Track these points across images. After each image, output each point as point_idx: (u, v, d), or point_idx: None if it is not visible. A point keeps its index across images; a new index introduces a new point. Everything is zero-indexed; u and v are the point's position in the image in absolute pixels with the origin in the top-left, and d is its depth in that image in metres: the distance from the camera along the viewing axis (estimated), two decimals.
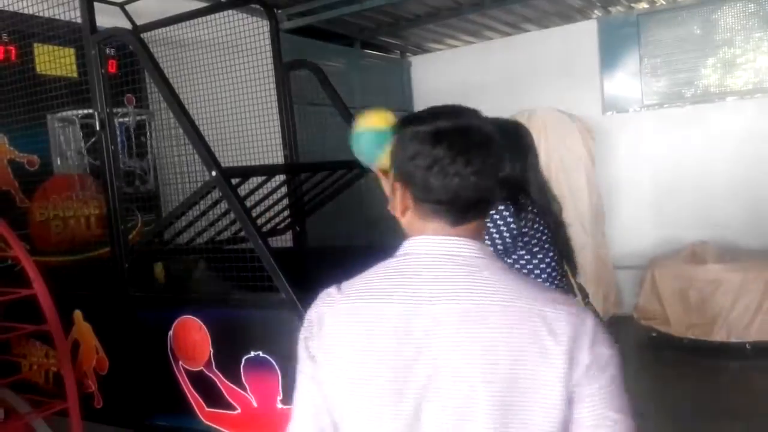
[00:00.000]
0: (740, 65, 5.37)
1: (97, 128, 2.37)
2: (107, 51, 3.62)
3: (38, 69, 3.20)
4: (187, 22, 3.36)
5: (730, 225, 5.36)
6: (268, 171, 2.56)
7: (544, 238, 1.98)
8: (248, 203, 2.38)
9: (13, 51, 3.12)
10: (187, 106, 2.57)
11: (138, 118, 3.51)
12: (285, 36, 4.80)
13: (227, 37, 3.50)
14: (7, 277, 2.81)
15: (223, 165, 2.37)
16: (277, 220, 3.22)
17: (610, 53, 5.76)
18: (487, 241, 1.90)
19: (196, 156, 2.57)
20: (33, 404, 2.52)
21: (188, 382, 2.32)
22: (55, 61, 3.22)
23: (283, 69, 3.25)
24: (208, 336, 2.23)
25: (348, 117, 3.02)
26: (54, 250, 3.17)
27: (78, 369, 2.58)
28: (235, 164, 3.43)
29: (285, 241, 3.59)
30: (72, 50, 3.35)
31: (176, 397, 2.33)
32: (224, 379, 2.22)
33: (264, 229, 2.99)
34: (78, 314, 2.59)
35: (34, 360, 2.79)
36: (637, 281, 5.60)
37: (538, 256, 1.98)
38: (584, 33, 5.83)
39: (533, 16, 5.81)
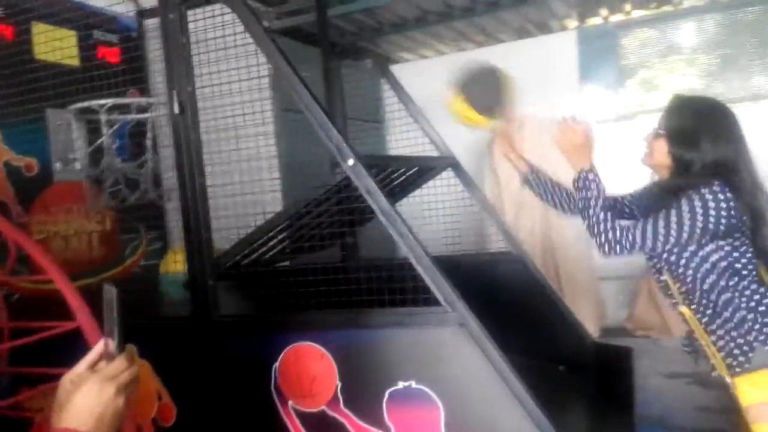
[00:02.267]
0: (718, 75, 5.52)
1: (176, 112, 1.88)
2: (105, 37, 3.11)
3: (36, 53, 2.63)
4: None
5: None
6: (405, 163, 2.16)
7: (745, 229, 1.74)
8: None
9: (10, 29, 2.53)
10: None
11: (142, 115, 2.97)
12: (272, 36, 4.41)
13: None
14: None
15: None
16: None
17: (589, 64, 5.76)
18: (697, 219, 1.67)
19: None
20: None
21: (301, 428, 1.86)
22: (53, 44, 2.68)
23: (330, 59, 2.86)
24: (334, 366, 1.80)
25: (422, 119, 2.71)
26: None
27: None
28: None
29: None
30: (73, 33, 2.81)
31: None
32: (357, 420, 1.78)
33: (310, 243, 2.55)
34: (130, 350, 2.05)
35: None
36: (618, 293, 5.61)
37: (740, 249, 1.74)
38: (563, 44, 5.81)
39: (506, 29, 5.73)
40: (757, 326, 1.69)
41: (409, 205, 2.83)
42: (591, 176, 1.87)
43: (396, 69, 6.32)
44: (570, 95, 5.78)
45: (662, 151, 1.83)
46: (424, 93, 6.14)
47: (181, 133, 1.90)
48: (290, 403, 1.86)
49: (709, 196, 1.66)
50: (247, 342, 1.91)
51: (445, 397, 1.70)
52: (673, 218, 1.70)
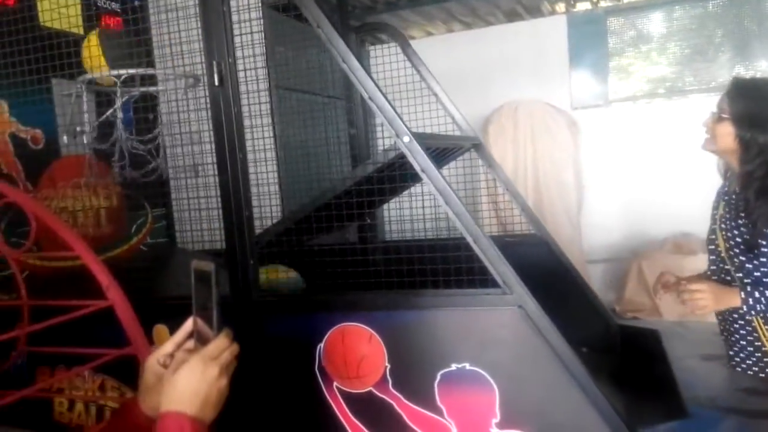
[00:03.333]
0: (698, 62, 5.60)
1: (216, 84, 1.79)
2: (108, 5, 2.97)
3: (42, 20, 2.49)
4: None
5: (693, 217, 5.54)
6: (441, 142, 2.10)
7: None
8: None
9: None
10: None
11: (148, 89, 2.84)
12: (265, 10, 4.29)
13: None
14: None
15: None
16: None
17: (578, 49, 5.77)
18: None
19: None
20: None
21: (346, 408, 1.81)
22: (57, 11, 2.54)
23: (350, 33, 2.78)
24: (383, 347, 1.75)
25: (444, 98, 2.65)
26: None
27: None
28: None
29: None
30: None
31: (327, 427, 1.82)
32: (406, 401, 1.75)
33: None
34: (160, 330, 1.97)
35: (79, 395, 2.10)
36: (605, 275, 5.69)
37: None
38: (553, 28, 5.80)
39: (497, 11, 5.71)
40: None
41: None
42: (751, 301, 1.72)
43: (384, 49, 6.27)
44: (561, 80, 5.79)
45: (728, 136, 1.77)
46: (409, 72, 6.13)
47: (221, 106, 1.81)
48: (335, 384, 1.82)
49: None
50: (289, 322, 1.85)
51: (501, 379, 1.67)
52: None
